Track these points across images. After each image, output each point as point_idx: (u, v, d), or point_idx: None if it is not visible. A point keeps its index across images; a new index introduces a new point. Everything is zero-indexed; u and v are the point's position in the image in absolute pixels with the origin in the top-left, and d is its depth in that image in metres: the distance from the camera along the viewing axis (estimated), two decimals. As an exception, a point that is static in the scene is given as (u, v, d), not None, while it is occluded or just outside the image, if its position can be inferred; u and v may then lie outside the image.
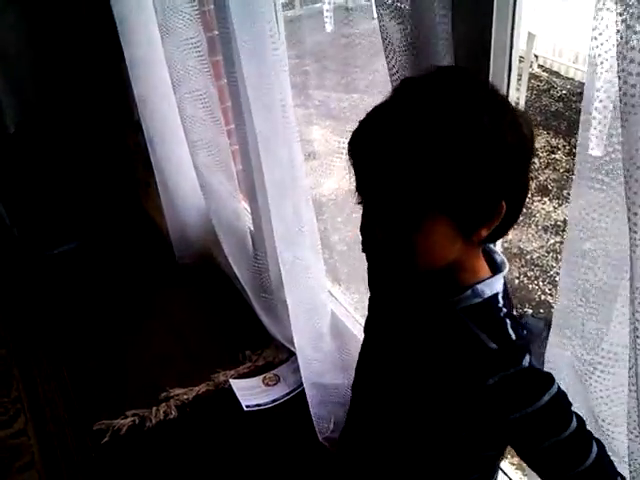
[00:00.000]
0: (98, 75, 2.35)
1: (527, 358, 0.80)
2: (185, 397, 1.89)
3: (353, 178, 0.79)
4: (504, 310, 0.83)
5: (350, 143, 0.78)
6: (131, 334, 2.18)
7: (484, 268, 0.86)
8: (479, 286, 0.82)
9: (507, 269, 0.87)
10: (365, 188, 0.78)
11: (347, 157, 0.79)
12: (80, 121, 2.50)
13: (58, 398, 1.96)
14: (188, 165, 2.12)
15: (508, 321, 0.82)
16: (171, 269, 2.47)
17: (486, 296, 0.83)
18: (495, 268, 0.87)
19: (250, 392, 1.87)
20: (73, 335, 2.20)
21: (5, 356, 2.15)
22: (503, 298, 0.84)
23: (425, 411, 0.88)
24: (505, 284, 0.87)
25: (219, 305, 2.28)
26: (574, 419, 0.79)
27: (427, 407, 0.87)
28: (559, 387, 0.80)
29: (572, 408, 0.81)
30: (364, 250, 0.86)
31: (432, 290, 0.86)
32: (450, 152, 0.71)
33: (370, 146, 0.75)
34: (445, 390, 0.84)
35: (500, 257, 0.88)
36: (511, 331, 0.81)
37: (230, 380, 1.91)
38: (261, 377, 1.92)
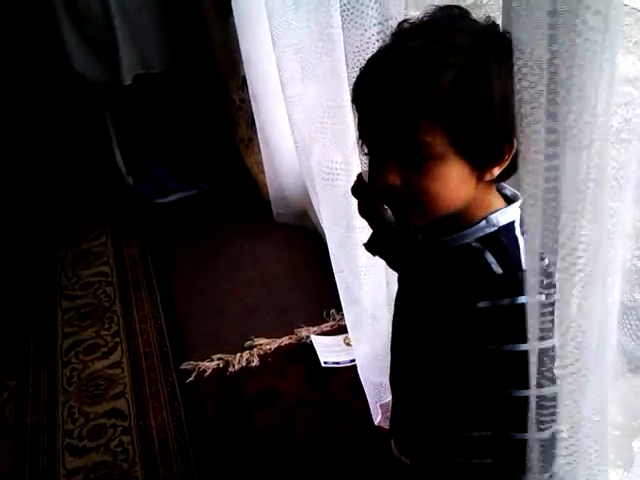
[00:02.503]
0: (210, 30, 2.41)
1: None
2: (268, 347, 1.95)
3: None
4: (521, 238, 0.80)
5: (355, 84, 0.78)
6: (225, 282, 2.28)
7: (498, 201, 0.84)
8: (493, 215, 0.81)
9: (521, 200, 0.83)
10: (376, 130, 0.77)
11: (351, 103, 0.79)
12: (191, 75, 2.59)
13: (152, 336, 2.08)
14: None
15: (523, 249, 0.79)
16: (268, 225, 2.53)
17: (501, 224, 0.81)
18: (509, 201, 0.85)
19: (330, 349, 1.90)
20: (173, 278, 2.33)
21: (110, 294, 2.30)
22: (521, 227, 0.82)
23: (433, 334, 0.89)
24: (522, 218, 0.83)
25: (311, 264, 2.32)
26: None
27: (433, 330, 0.88)
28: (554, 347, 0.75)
29: None
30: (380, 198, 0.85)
31: (446, 228, 0.85)
32: (459, 84, 0.70)
33: (378, 81, 0.75)
34: (442, 309, 0.84)
35: (511, 191, 0.86)
36: (524, 260, 0.78)
37: (312, 336, 1.95)
38: (342, 336, 1.94)
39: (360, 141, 0.82)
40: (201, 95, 2.65)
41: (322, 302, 2.09)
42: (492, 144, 0.74)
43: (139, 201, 2.81)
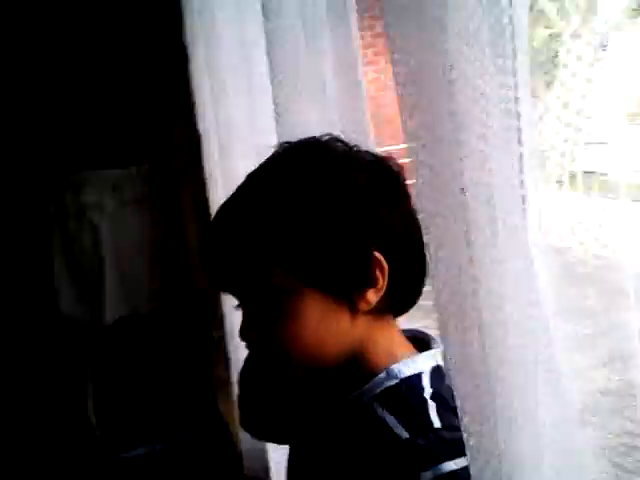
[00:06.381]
0: (197, 268, 2.41)
1: (455, 463, 0.56)
2: None
3: None
4: (430, 390, 0.63)
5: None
6: None
7: (404, 348, 0.69)
8: (395, 366, 0.65)
9: (440, 348, 0.66)
10: (220, 282, 0.74)
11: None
12: (175, 316, 2.54)
13: None
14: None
15: (432, 404, 0.61)
16: (238, 481, 2.23)
17: (403, 376, 0.64)
18: (426, 349, 0.69)
19: None
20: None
21: None
22: (432, 379, 0.65)
23: None
24: (440, 368, 0.66)
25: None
26: None
27: None
28: None
29: None
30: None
31: (337, 385, 0.70)
32: (289, 213, 0.66)
33: (212, 242, 0.73)
34: None
35: (429, 336, 0.71)
36: (434, 416, 0.60)
37: None
38: None
39: None
40: (181, 336, 2.56)
41: None
42: (348, 267, 0.64)
43: (105, 455, 2.55)
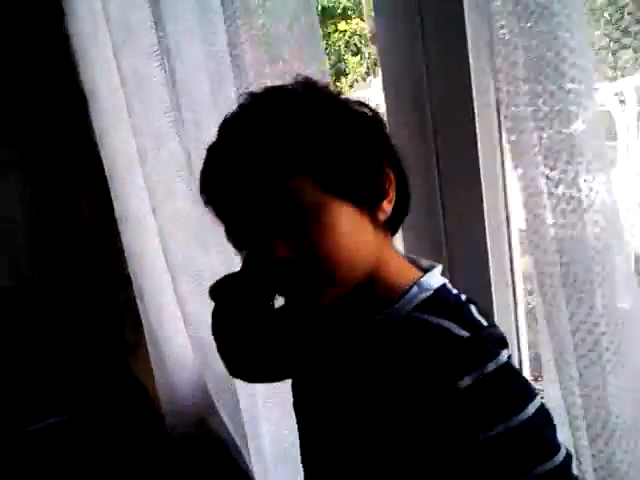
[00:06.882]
0: (91, 234, 2.29)
1: (505, 353, 0.65)
2: None
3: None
4: (463, 296, 0.71)
5: (204, 176, 0.72)
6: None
7: (409, 267, 0.74)
8: (424, 279, 0.71)
9: (440, 266, 0.75)
10: (245, 209, 0.69)
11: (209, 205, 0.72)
12: (71, 282, 2.40)
13: None
14: (180, 322, 1.97)
15: (472, 306, 0.69)
16: (162, 440, 2.22)
17: (435, 286, 0.70)
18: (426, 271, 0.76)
19: None
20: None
21: None
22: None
23: (386, 441, 0.71)
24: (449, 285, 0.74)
25: (215, 477, 2.02)
26: (562, 447, 0.66)
27: (389, 436, 0.71)
28: (542, 402, 0.66)
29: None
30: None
31: (371, 307, 0.72)
32: (318, 132, 0.67)
33: (230, 158, 0.69)
34: (407, 406, 0.68)
35: (426, 261, 0.77)
36: (479, 316, 0.68)
37: None
38: None
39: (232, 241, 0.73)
40: (81, 302, 2.45)
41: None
42: (370, 177, 0.69)
43: (7, 429, 2.43)
